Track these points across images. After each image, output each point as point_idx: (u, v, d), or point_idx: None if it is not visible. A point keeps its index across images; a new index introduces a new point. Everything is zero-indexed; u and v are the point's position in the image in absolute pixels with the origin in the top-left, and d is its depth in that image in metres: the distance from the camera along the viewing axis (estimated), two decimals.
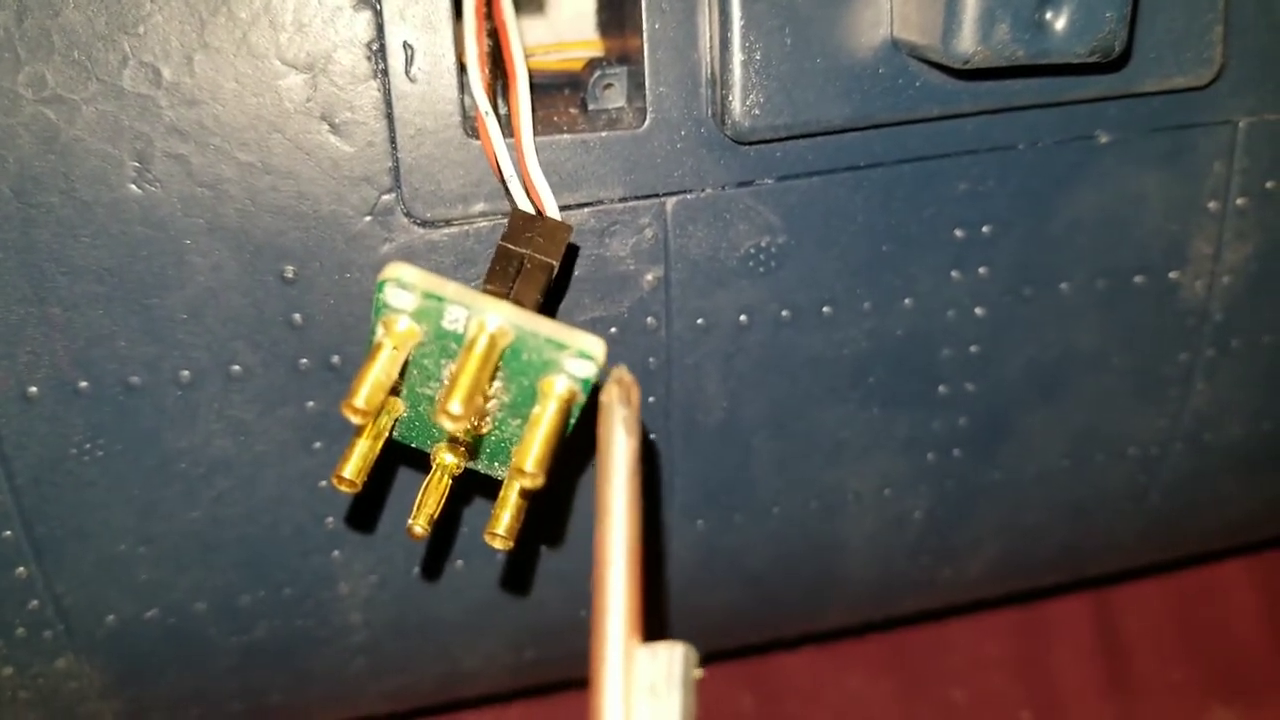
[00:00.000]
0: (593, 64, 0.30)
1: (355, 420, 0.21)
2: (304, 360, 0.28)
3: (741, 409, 0.32)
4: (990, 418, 0.34)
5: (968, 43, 0.26)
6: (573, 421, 0.23)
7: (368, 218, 0.27)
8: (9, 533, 0.28)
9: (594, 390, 0.22)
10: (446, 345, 0.22)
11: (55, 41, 0.25)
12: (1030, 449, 0.35)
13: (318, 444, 0.29)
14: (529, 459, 0.21)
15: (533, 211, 0.26)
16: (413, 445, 0.25)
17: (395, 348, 0.22)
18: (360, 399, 0.21)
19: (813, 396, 0.32)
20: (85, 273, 0.26)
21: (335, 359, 0.28)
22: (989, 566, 0.39)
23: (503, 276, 0.25)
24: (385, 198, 0.27)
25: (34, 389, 0.27)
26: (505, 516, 0.24)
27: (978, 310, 0.32)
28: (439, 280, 0.21)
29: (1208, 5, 0.29)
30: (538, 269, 0.24)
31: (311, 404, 0.29)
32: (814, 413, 0.32)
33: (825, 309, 0.31)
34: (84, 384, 0.27)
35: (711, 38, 0.27)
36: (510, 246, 0.25)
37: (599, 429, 0.20)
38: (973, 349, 0.33)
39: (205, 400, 0.28)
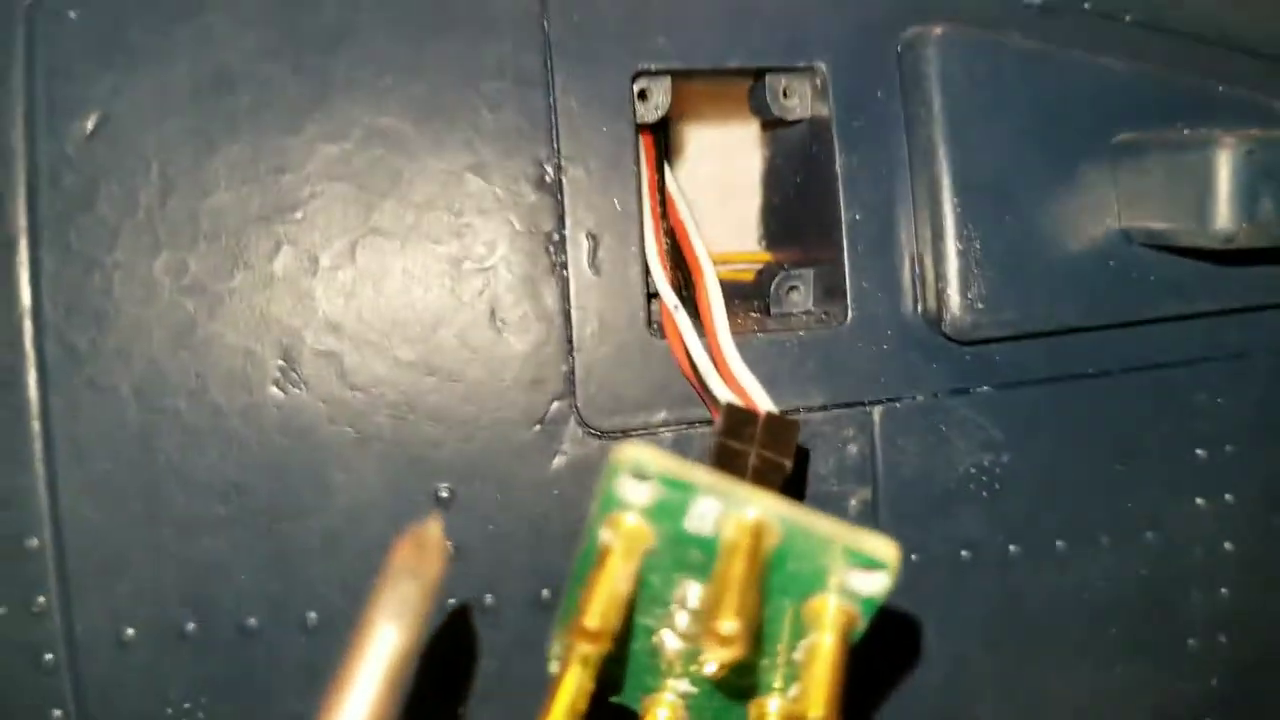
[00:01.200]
0: (770, 269, 0.27)
1: (588, 649, 0.16)
2: (451, 600, 0.23)
3: (964, 668, 0.26)
4: (1246, 678, 0.28)
5: (1227, 220, 0.23)
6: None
7: (536, 427, 0.23)
8: None
9: (876, 613, 0.17)
10: (684, 554, 0.17)
11: (202, 225, 0.22)
12: None
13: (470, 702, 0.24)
14: (820, 705, 0.16)
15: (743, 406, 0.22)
16: (614, 699, 0.19)
17: (625, 553, 0.17)
18: (594, 617, 0.16)
19: (1046, 653, 0.27)
20: (207, 490, 0.22)
21: (489, 599, 0.23)
22: None
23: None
24: (557, 404, 0.23)
25: (131, 631, 0.22)
26: None
27: (1227, 545, 0.27)
28: (686, 466, 0.17)
29: None
30: (770, 470, 0.20)
31: None
32: (1047, 674, 0.27)
33: (1058, 543, 0.26)
34: (191, 626, 0.22)
35: (919, 227, 0.25)
36: (731, 443, 0.20)
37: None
38: (1223, 591, 0.28)
39: (333, 649, 0.23)
